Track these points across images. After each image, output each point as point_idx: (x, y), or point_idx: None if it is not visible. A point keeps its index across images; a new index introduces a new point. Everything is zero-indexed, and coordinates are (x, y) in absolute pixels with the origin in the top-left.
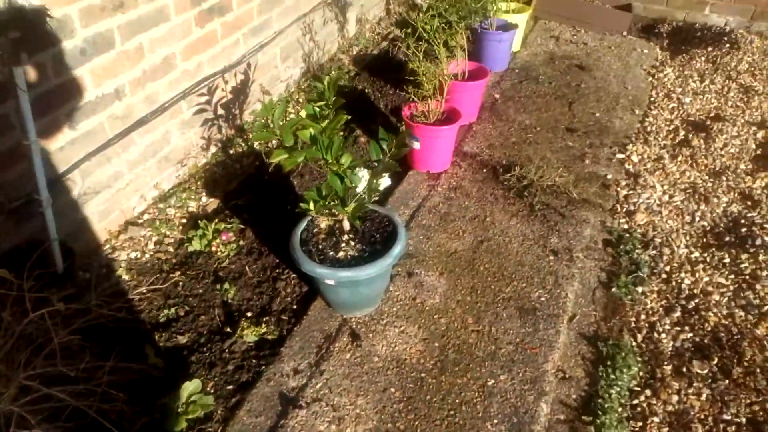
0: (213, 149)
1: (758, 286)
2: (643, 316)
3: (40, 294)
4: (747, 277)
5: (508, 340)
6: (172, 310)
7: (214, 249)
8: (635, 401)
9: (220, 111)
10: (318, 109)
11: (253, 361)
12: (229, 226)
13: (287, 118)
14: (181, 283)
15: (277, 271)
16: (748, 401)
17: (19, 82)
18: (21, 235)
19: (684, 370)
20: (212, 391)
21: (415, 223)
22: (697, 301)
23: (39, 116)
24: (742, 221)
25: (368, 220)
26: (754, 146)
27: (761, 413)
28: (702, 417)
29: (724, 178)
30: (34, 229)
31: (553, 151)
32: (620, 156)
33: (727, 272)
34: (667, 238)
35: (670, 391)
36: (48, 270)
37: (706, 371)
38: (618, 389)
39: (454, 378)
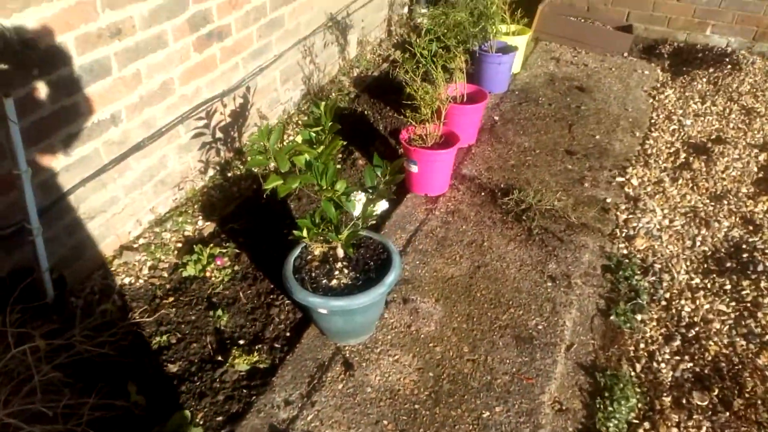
0: (211, 172)
1: (760, 314)
2: (642, 345)
3: (23, 329)
4: (748, 305)
5: (504, 370)
6: (164, 337)
7: (208, 274)
8: None
9: (219, 134)
10: (314, 134)
11: (244, 391)
12: (225, 250)
13: (285, 142)
14: (174, 310)
15: (272, 297)
16: None
17: (9, 113)
18: (11, 264)
19: (684, 401)
20: (201, 422)
21: (411, 247)
22: (697, 329)
23: (33, 143)
24: (744, 246)
25: (362, 247)
26: (756, 169)
27: None
28: None
29: (726, 202)
30: (24, 257)
31: (552, 174)
32: (620, 179)
33: (728, 299)
34: (667, 263)
35: (669, 424)
36: (37, 300)
37: (706, 403)
38: (616, 422)
39: (449, 410)
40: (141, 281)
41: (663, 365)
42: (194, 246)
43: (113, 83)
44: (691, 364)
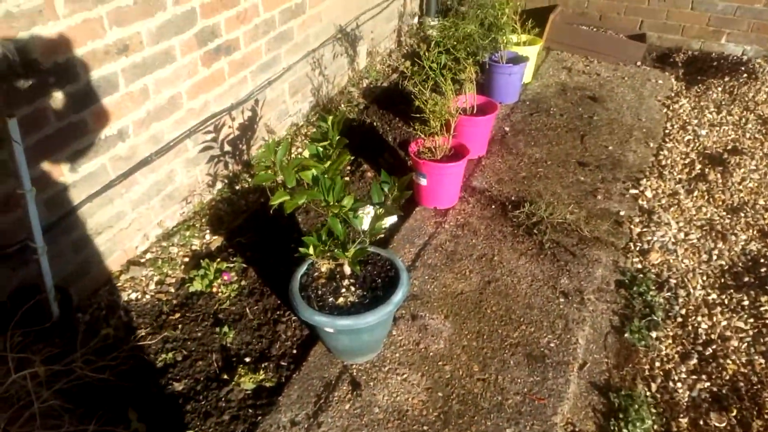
0: (219, 185)
1: None
2: (657, 364)
3: (23, 355)
4: (767, 321)
5: (515, 390)
6: (170, 354)
7: (215, 289)
8: None
9: (227, 147)
10: (321, 149)
11: (250, 410)
12: (232, 265)
13: (293, 155)
14: (180, 326)
15: (278, 313)
16: None
17: (12, 134)
18: (17, 281)
19: (701, 423)
20: None
21: (420, 262)
22: (714, 347)
23: (39, 160)
24: (762, 261)
25: (370, 264)
26: None
27: None
28: None
29: (743, 215)
30: (30, 274)
31: (564, 186)
32: (634, 191)
33: (746, 316)
34: (683, 278)
35: None
36: (43, 319)
37: (724, 424)
38: None
39: None
40: (147, 296)
41: (679, 385)
42: (201, 260)
43: (120, 99)
44: (708, 384)
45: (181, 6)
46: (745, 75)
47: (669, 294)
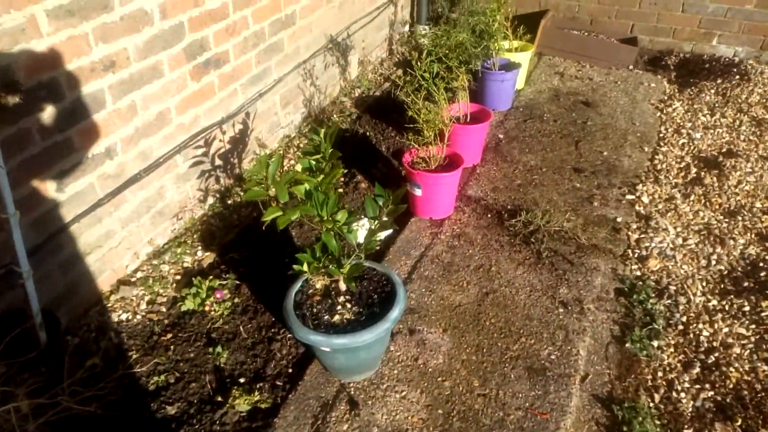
0: (210, 200)
1: None
2: (660, 374)
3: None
4: None
5: (516, 405)
6: (162, 377)
7: (207, 308)
8: None
9: (218, 162)
10: (314, 162)
11: None
12: (224, 282)
13: (285, 167)
14: (172, 347)
15: (273, 330)
16: None
17: None
18: (3, 305)
19: None
20: None
21: (417, 274)
22: (717, 355)
23: (24, 181)
24: (761, 265)
25: (366, 279)
26: None
27: None
28: None
29: (740, 218)
30: (17, 298)
31: (560, 194)
32: (630, 197)
33: (747, 322)
34: (683, 285)
35: None
36: (30, 345)
37: None
38: None
39: None
40: (138, 317)
41: (683, 395)
42: (193, 278)
43: (108, 116)
44: (712, 393)
45: (169, 20)
46: (738, 76)
47: (669, 301)
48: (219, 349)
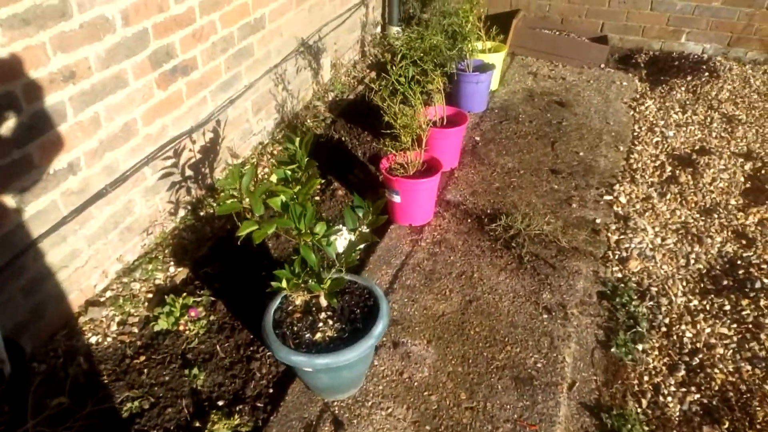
0: (182, 213)
1: (762, 336)
2: (646, 378)
3: None
4: (750, 326)
5: (505, 417)
6: (136, 403)
7: (182, 327)
8: None
9: (189, 172)
10: (289, 172)
11: None
12: (199, 299)
13: (259, 175)
14: (146, 371)
15: (251, 348)
16: None
17: None
18: None
19: None
20: None
21: (398, 283)
22: (701, 356)
23: None
24: (739, 262)
25: (347, 293)
26: (742, 179)
27: None
28: None
29: (716, 216)
30: None
31: (539, 196)
32: (608, 198)
33: (729, 321)
34: (663, 285)
35: None
36: None
37: None
38: None
39: None
40: (109, 339)
41: (669, 399)
42: (166, 296)
43: (69, 129)
44: (698, 396)
45: (132, 27)
46: (707, 73)
47: (651, 303)
48: (195, 370)
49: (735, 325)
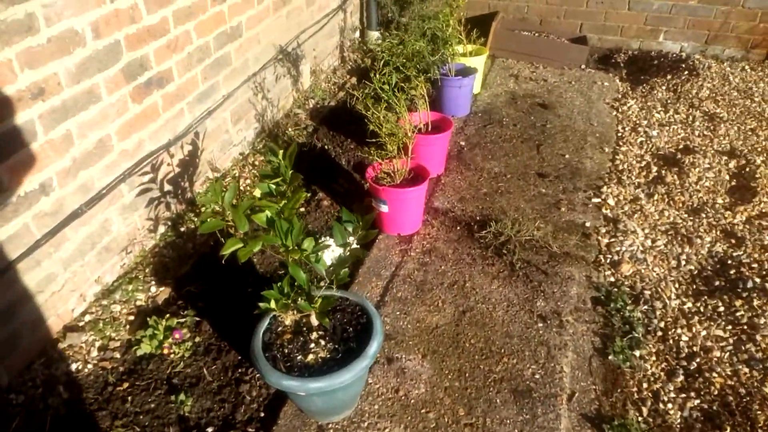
0: (162, 229)
1: (758, 337)
2: (645, 385)
3: None
4: (745, 327)
5: None
6: None
7: (166, 351)
8: None
9: (168, 187)
10: (274, 186)
11: None
12: (183, 320)
13: (241, 190)
14: (129, 398)
15: (240, 370)
16: None
17: None
18: None
19: None
20: None
21: (390, 296)
22: (698, 360)
23: None
24: (729, 262)
25: (339, 311)
26: (727, 177)
27: None
28: None
29: (704, 215)
30: None
31: (527, 200)
32: (596, 200)
33: (723, 323)
34: (656, 288)
35: None
36: None
37: None
38: None
39: None
40: (90, 366)
41: (670, 405)
42: (148, 318)
43: (40, 149)
44: (698, 401)
45: (103, 40)
46: (687, 72)
47: (646, 307)
48: (182, 396)
49: (730, 327)
